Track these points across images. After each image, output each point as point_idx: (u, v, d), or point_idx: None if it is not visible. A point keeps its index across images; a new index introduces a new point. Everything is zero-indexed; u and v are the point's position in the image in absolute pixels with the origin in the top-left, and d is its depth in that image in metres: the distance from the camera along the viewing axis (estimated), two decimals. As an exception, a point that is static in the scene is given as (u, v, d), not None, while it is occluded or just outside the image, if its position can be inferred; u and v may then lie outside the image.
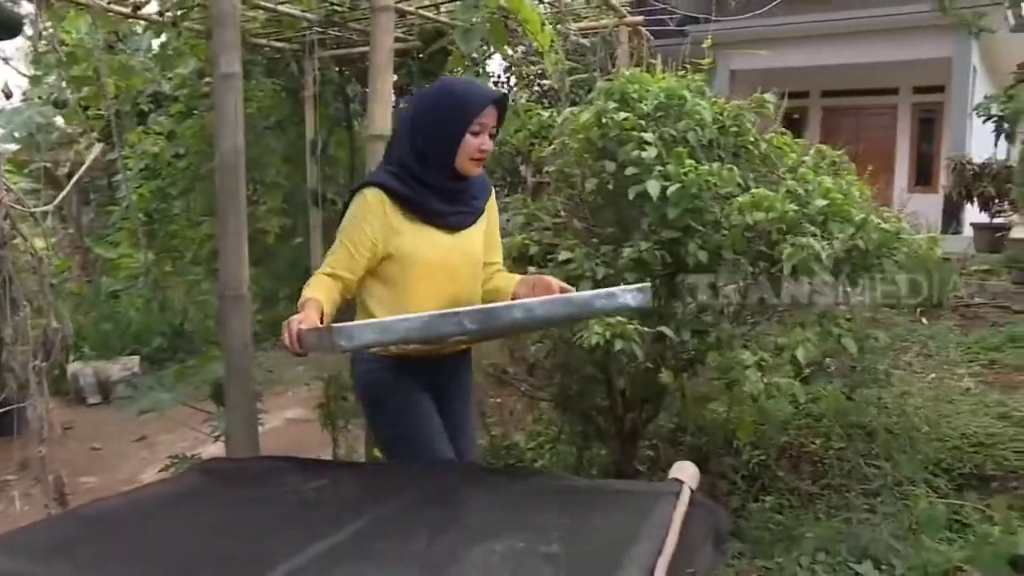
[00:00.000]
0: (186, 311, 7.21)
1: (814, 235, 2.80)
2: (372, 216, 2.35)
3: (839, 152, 3.51)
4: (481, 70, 6.17)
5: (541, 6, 6.76)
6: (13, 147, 8.90)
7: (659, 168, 2.84)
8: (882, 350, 3.19)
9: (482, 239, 2.54)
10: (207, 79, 7.51)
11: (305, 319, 2.12)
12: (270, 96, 7.94)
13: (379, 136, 3.10)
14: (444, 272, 2.39)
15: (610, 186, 3.09)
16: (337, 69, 8.28)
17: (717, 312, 3.12)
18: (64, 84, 6.55)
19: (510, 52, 5.97)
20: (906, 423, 3.89)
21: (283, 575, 1.48)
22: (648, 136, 2.93)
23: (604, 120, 3.06)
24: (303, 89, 7.92)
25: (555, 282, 2.36)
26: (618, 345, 2.66)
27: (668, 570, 1.49)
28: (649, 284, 2.30)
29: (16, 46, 8.08)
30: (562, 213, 3.32)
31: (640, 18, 7.36)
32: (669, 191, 2.83)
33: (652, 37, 7.75)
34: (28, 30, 4.21)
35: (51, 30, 4.92)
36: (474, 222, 2.50)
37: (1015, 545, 2.95)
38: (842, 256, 2.89)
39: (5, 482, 4.22)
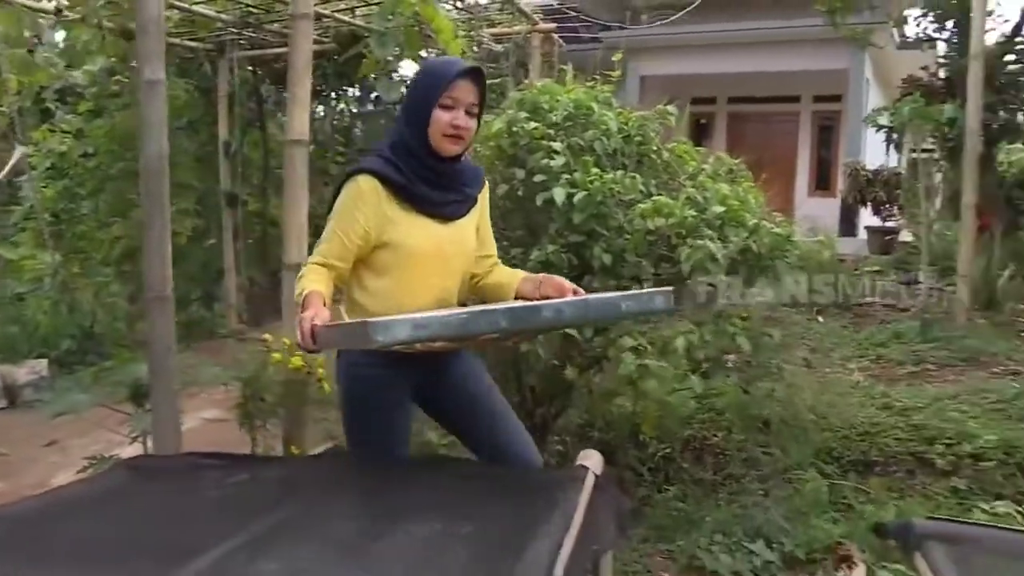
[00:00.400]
0: (95, 313, 7.07)
1: (711, 239, 3.00)
2: (365, 204, 2.28)
3: (737, 160, 3.71)
4: (394, 74, 6.22)
5: (455, 12, 6.89)
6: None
7: (566, 176, 2.99)
8: (775, 347, 3.39)
9: (474, 231, 2.49)
10: (117, 77, 7.44)
11: (317, 314, 2.06)
12: (183, 96, 7.85)
13: (298, 141, 3.17)
14: (438, 262, 2.35)
15: (520, 192, 3.21)
16: (251, 70, 8.25)
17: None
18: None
19: (423, 56, 6.06)
20: (796, 414, 4.13)
21: (212, 561, 1.56)
22: (556, 145, 3.08)
23: (515, 129, 3.20)
24: (216, 90, 7.89)
25: (566, 283, 2.34)
26: (524, 347, 2.79)
27: (574, 547, 1.64)
28: (671, 288, 2.33)
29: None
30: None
31: (552, 25, 7.55)
32: (576, 198, 2.96)
33: (564, 43, 7.95)
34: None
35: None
36: (467, 212, 2.44)
37: (880, 516, 3.21)
38: (737, 258, 3.09)
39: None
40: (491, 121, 3.35)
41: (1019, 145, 8.61)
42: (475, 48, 5.99)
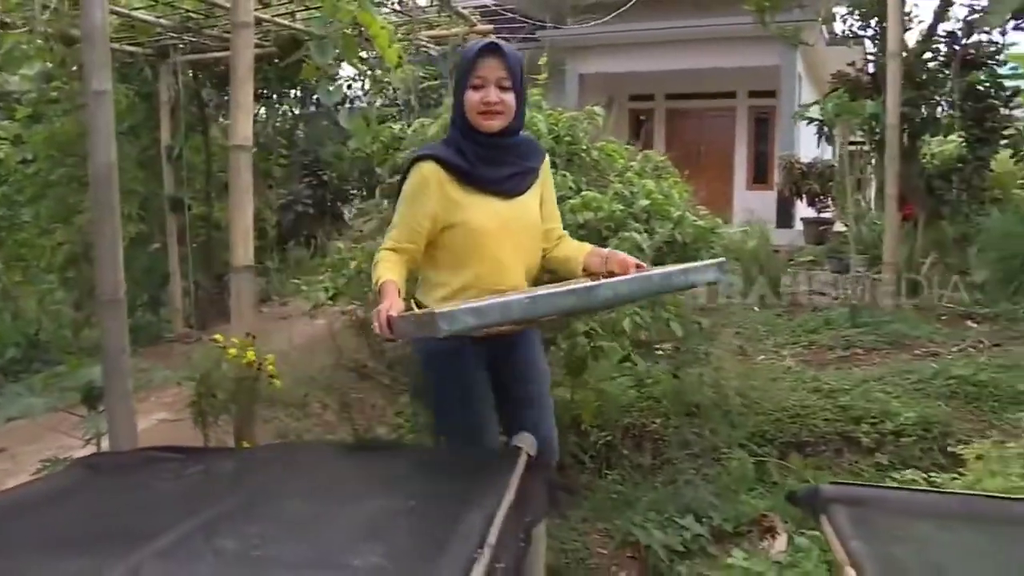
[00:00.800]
0: (40, 321, 7.04)
1: (638, 231, 3.17)
2: (429, 189, 2.40)
3: (674, 155, 3.89)
4: (334, 78, 6.28)
5: (393, 15, 6.99)
6: None
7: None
8: (704, 334, 3.58)
9: (537, 205, 2.56)
10: (56, 83, 7.41)
11: (392, 305, 2.14)
12: (124, 101, 7.83)
13: (242, 146, 3.26)
14: (504, 238, 2.43)
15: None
16: (192, 74, 8.26)
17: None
18: None
19: (363, 57, 6.13)
20: (725, 398, 4.33)
21: (170, 542, 1.68)
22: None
23: (449, 134, 3.33)
24: (157, 94, 7.89)
25: (630, 259, 2.40)
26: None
27: (506, 518, 1.79)
28: (724, 259, 2.38)
29: None
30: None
31: (489, 27, 7.67)
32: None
33: (503, 45, 8.07)
34: None
35: None
36: (529, 187, 2.53)
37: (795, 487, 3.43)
38: (663, 248, 3.27)
39: None
40: (428, 125, 3.49)
41: (941, 138, 9.04)
42: (413, 52, 6.09)
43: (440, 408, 2.63)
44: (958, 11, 8.51)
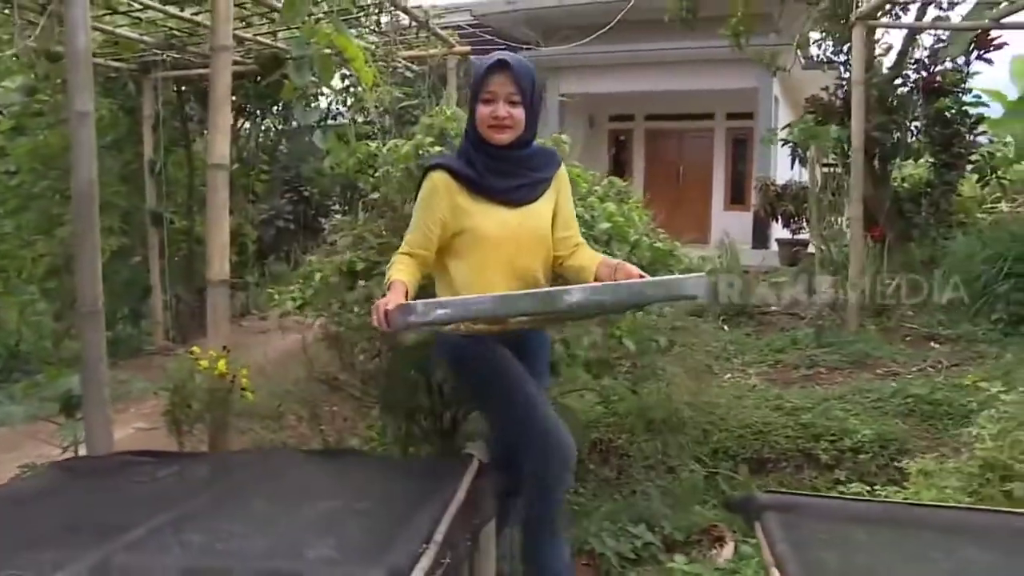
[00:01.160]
0: (20, 332, 7.10)
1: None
2: (439, 196, 2.51)
3: (624, 183, 4.04)
4: (316, 95, 6.43)
5: (373, 35, 7.13)
6: None
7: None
8: (660, 350, 3.71)
9: (549, 213, 2.63)
10: (39, 96, 7.51)
11: (391, 300, 2.23)
12: (107, 116, 7.94)
13: (219, 165, 3.39)
14: (513, 245, 2.52)
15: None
16: (176, 89, 8.37)
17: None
18: None
19: (339, 79, 6.24)
20: (678, 412, 4.46)
21: (143, 534, 1.81)
22: (459, 167, 3.36)
23: (421, 152, 3.47)
24: (140, 109, 8.00)
25: (635, 270, 2.42)
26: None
27: (454, 518, 1.93)
28: (704, 274, 2.40)
29: None
30: (384, 233, 3.70)
31: (467, 48, 7.82)
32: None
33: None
34: None
35: None
36: (540, 196, 2.61)
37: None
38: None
39: None
40: (401, 145, 3.62)
41: (912, 162, 9.27)
42: (391, 72, 6.23)
43: (490, 398, 2.66)
44: (926, 39, 8.76)
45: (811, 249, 11.00)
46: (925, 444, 4.44)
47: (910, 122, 8.75)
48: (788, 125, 10.13)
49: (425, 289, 2.63)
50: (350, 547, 1.73)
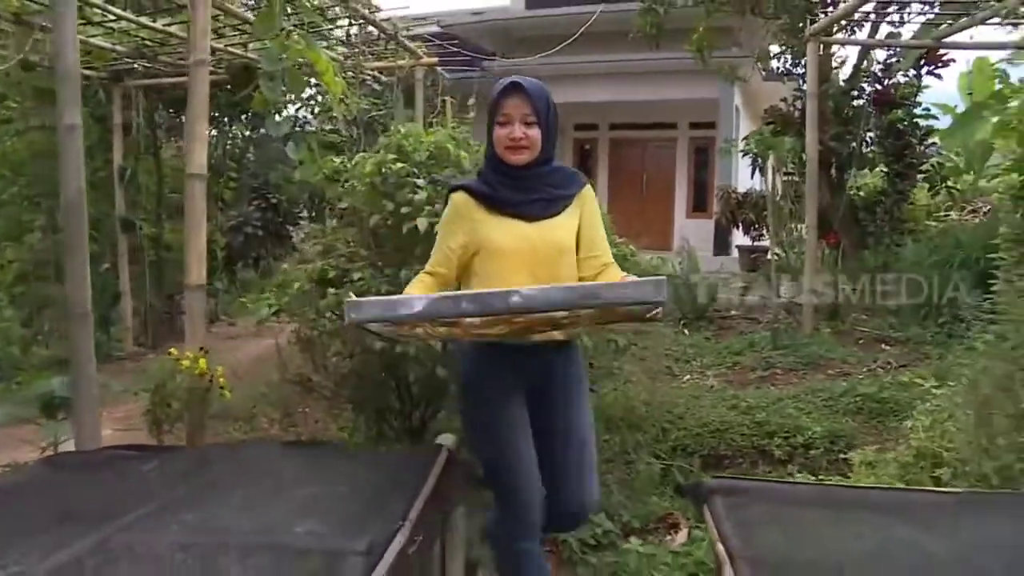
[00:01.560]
0: (-13, 338, 7.11)
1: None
2: (459, 217, 2.55)
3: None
4: (286, 104, 6.50)
5: (342, 46, 7.27)
6: None
7: (428, 207, 3.42)
8: (618, 351, 3.89)
9: (571, 229, 2.57)
10: (6, 103, 7.56)
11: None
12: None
13: (197, 175, 3.53)
14: (529, 258, 2.50)
15: (389, 222, 3.63)
16: (145, 97, 8.45)
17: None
18: None
19: (312, 83, 6.33)
20: (634, 409, 4.65)
21: (132, 520, 1.95)
22: (420, 182, 3.53)
23: (384, 169, 3.65)
24: (111, 117, 8.08)
25: None
26: (399, 348, 3.22)
27: (426, 503, 2.10)
28: (665, 278, 2.23)
29: None
30: (352, 243, 3.86)
31: (435, 59, 7.99)
32: (436, 226, 3.39)
33: (447, 75, 8.38)
34: None
35: None
36: (559, 211, 2.56)
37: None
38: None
39: None
40: (365, 161, 3.78)
41: (868, 171, 9.57)
42: (359, 83, 6.35)
43: (477, 444, 2.63)
44: (880, 54, 9.07)
45: (771, 256, 11.30)
46: (872, 439, 4.66)
47: (864, 133, 9.01)
48: (747, 137, 10.39)
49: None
50: (332, 524, 1.90)
